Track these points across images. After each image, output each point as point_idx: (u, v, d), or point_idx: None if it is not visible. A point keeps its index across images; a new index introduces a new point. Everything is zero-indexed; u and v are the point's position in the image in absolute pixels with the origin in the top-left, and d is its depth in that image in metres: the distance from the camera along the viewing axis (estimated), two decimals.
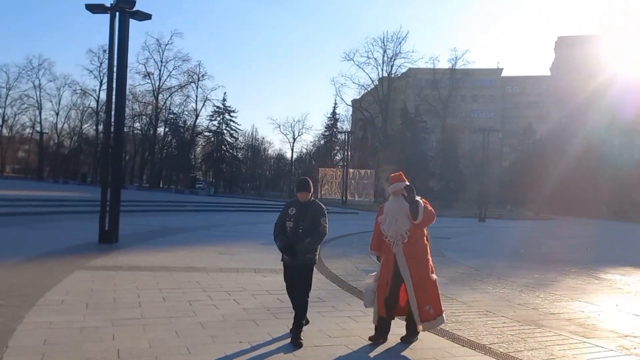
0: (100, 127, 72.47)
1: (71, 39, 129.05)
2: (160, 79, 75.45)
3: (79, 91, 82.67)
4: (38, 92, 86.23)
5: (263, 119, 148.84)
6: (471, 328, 6.55)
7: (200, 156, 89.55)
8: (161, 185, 78.33)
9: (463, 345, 5.78)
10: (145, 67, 74.46)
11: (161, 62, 74.81)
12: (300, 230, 5.45)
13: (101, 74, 75.80)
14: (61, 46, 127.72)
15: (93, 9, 13.20)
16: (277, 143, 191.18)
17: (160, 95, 75.87)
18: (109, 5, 13.18)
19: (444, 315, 5.79)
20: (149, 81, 75.33)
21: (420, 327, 5.71)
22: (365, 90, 77.07)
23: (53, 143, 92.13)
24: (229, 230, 19.49)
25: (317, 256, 5.70)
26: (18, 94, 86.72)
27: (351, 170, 61.81)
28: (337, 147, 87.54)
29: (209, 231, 18.38)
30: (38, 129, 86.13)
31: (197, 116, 79.17)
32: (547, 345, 5.97)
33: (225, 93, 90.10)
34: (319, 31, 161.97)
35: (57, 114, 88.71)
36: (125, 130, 75.98)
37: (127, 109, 74.73)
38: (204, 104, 78.63)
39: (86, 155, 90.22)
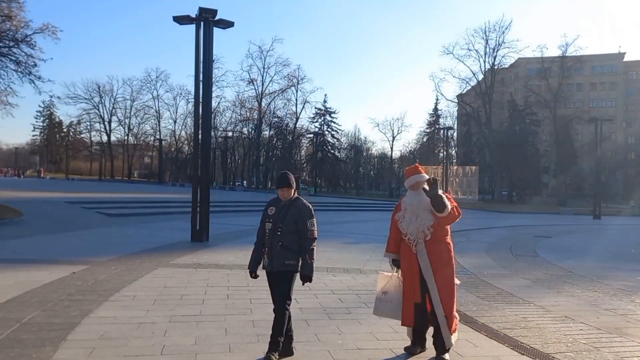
0: (212, 133, 76.77)
1: (183, 52, 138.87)
2: (263, 85, 78.56)
3: (192, 100, 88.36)
4: (157, 103, 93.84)
5: (364, 118, 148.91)
6: (540, 335, 6.01)
7: (304, 157, 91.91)
8: (269, 186, 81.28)
9: (523, 354, 5.30)
10: (249, 74, 78.01)
11: (263, 68, 77.99)
12: (279, 233, 4.84)
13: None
14: (174, 59, 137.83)
15: (180, 20, 13.98)
16: (379, 142, 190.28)
17: (263, 100, 79.00)
18: (194, 16, 13.90)
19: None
20: (253, 87, 78.83)
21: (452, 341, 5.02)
22: (467, 84, 74.27)
23: (173, 149, 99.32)
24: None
25: (314, 263, 4.90)
26: (141, 105, 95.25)
27: (454, 167, 59.82)
28: (441, 144, 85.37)
29: None
30: (158, 136, 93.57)
31: (297, 119, 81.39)
32: (623, 357, 5.32)
33: (325, 95, 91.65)
34: (417, 26, 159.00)
35: (175, 121, 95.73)
36: (235, 135, 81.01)
37: (234, 115, 78.30)
38: (303, 107, 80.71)
39: None
